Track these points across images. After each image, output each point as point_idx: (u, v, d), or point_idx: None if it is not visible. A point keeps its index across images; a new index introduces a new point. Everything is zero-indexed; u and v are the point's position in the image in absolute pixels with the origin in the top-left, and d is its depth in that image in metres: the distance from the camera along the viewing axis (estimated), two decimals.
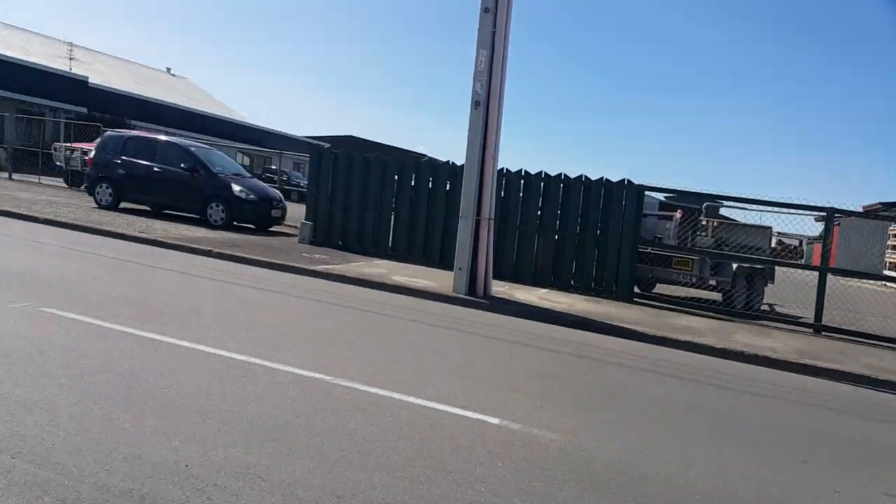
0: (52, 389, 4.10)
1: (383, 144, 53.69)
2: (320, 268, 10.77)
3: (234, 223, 15.17)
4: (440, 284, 10.56)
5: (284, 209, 16.36)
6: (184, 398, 4.27)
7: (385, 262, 12.75)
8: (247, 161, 36.81)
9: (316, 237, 14.10)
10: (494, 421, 4.67)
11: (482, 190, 10.20)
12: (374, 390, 4.97)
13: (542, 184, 12.57)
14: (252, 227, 15.64)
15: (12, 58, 33.84)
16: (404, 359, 6.15)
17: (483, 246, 10.27)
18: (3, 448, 3.24)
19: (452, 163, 13.46)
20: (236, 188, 15.15)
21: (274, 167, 34.27)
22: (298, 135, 53.24)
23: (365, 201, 13.86)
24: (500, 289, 11.08)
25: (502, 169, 12.40)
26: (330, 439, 3.93)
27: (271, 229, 16.05)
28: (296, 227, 15.40)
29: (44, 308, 6.02)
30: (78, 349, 4.99)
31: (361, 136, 54.88)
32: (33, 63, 34.38)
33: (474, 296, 10.07)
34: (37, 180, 21.76)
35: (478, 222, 10.25)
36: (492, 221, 10.43)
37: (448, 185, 13.30)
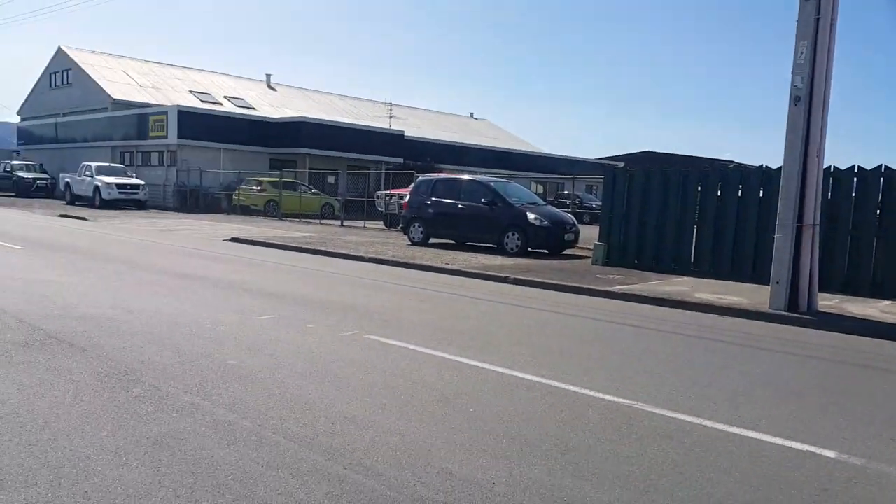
0: (376, 408, 4.51)
1: (683, 156, 51.25)
2: (616, 288, 10.51)
3: (529, 249, 15.63)
4: (752, 301, 9.58)
5: (577, 232, 16.43)
6: (490, 419, 4.39)
7: (686, 279, 12.00)
8: (541, 189, 37.94)
9: (610, 258, 13.86)
10: (829, 454, 4.00)
11: (804, 193, 9.03)
12: (680, 416, 4.60)
13: (881, 179, 10.80)
14: (546, 252, 15.95)
15: (346, 123, 39.66)
16: (713, 382, 5.62)
17: (806, 255, 9.07)
18: (337, 459, 3.63)
19: (766, 167, 12.26)
20: (531, 216, 15.64)
21: (566, 192, 34.79)
22: (591, 157, 53.58)
23: (663, 217, 13.27)
24: (828, 303, 9.68)
25: (829, 167, 10.94)
26: (636, 466, 3.70)
27: (564, 253, 16.20)
28: (589, 248, 15.33)
29: (368, 335, 6.75)
30: (397, 372, 5.46)
31: (658, 151, 53.22)
32: (361, 125, 39.86)
33: (796, 312, 8.92)
34: (362, 225, 24.93)
35: (799, 229, 9.08)
36: (816, 227, 9.18)
37: (761, 192, 12.13)
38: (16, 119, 49.02)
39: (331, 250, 15.18)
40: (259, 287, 9.67)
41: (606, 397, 4.97)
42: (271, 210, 28.60)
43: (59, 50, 43.60)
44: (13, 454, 3.46)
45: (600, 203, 16.49)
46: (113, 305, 7.60)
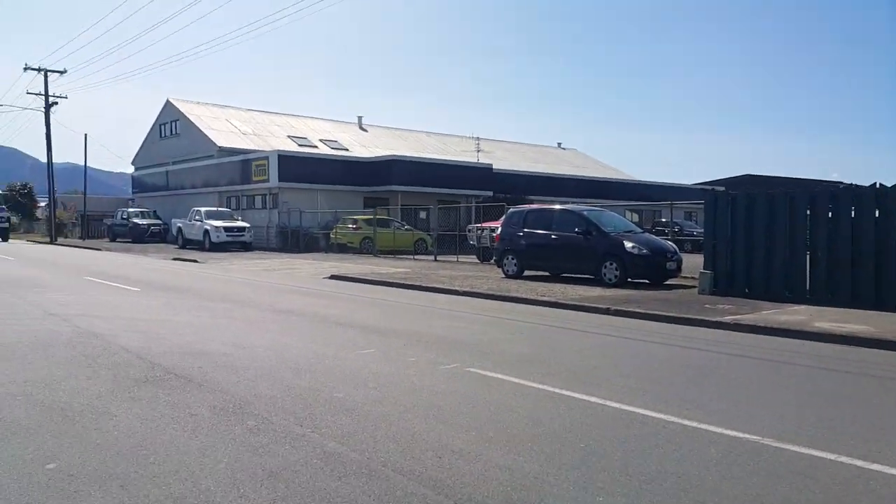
0: (482, 442, 4.43)
1: (787, 178, 48.99)
2: (727, 318, 10.01)
3: (629, 280, 15.17)
4: (879, 329, 8.89)
5: (679, 261, 15.83)
6: (603, 454, 4.22)
7: (802, 307, 11.30)
8: (636, 217, 37.07)
9: (717, 286, 13.25)
10: None
11: None
12: (812, 452, 4.26)
13: None
14: (646, 282, 15.44)
15: (435, 159, 40.38)
16: (843, 416, 5.21)
17: None
18: (447, 493, 3.56)
19: (880, 185, 11.49)
20: (628, 245, 15.22)
21: (664, 220, 33.80)
22: (688, 183, 51.96)
23: (771, 242, 12.61)
24: None
25: None
26: None
27: (667, 283, 15.63)
28: (693, 277, 14.75)
29: (469, 368, 6.69)
30: (502, 405, 5.36)
31: (760, 174, 51.00)
32: (450, 161, 40.46)
33: None
34: (455, 259, 25.06)
35: None
36: None
37: (877, 212, 11.36)
38: (131, 169, 52.79)
39: (426, 285, 15.30)
40: (359, 322, 9.83)
41: (728, 432, 4.68)
42: (366, 247, 29.27)
43: (168, 102, 46.78)
44: (139, 485, 3.59)
45: (701, 230, 15.87)
46: (225, 342, 7.90)
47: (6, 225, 39.08)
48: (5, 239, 38.08)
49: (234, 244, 31.27)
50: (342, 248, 30.04)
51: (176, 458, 3.99)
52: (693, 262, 16.30)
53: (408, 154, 41.46)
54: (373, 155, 40.64)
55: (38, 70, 42.36)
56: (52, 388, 5.60)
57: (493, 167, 39.81)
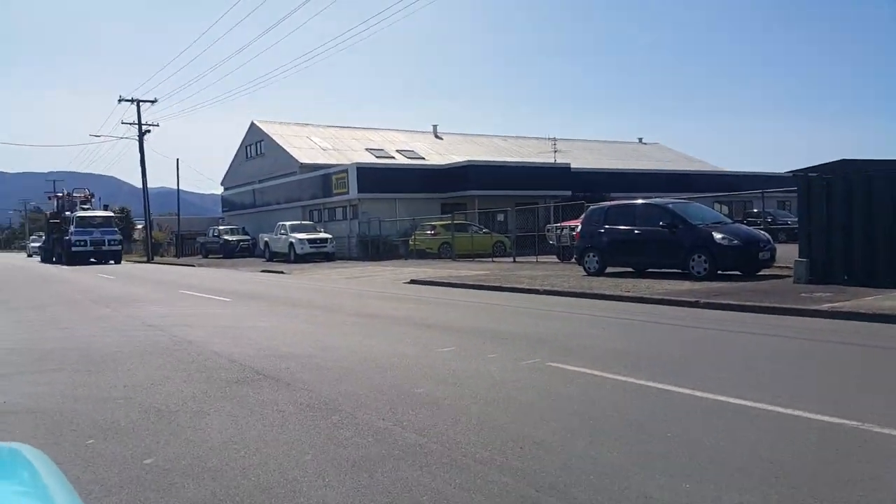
0: (565, 433, 4.36)
1: (887, 161, 46.02)
2: (824, 307, 9.49)
3: (719, 272, 14.59)
4: None
5: (773, 250, 15.11)
6: (691, 443, 4.07)
7: None
8: (725, 210, 35.69)
9: (814, 274, 12.58)
10: None
11: None
12: None
13: None
14: (738, 273, 14.82)
15: (511, 162, 40.27)
16: None
17: None
18: (529, 482, 3.52)
19: None
20: (717, 236, 14.65)
21: (755, 210, 32.42)
22: (780, 172, 49.60)
23: (871, 227, 11.88)
24: None
25: None
26: (871, 490, 3.22)
27: (760, 273, 14.95)
28: (788, 267, 14.06)
29: (550, 363, 6.60)
30: (584, 398, 5.26)
31: (857, 158, 48.06)
32: (526, 163, 40.24)
33: None
34: (534, 259, 24.83)
35: None
36: None
37: None
38: (221, 190, 55.22)
39: (505, 285, 15.23)
40: (438, 322, 9.89)
41: (825, 418, 4.43)
42: (445, 252, 29.45)
43: (253, 124, 48.66)
44: (230, 477, 3.73)
45: (795, 219, 15.12)
46: (310, 345, 8.12)
47: (118, 248, 41.12)
48: (118, 261, 40.16)
49: (318, 255, 32.12)
50: (421, 255, 30.34)
51: (264, 452, 4.12)
52: (788, 252, 15.54)
53: (484, 158, 41.49)
54: (448, 162, 40.91)
55: (131, 101, 44.80)
56: (149, 391, 5.90)
57: (571, 166, 39.26)
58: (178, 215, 54.63)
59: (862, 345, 7.26)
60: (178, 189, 51.91)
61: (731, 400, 4.99)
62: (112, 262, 39.96)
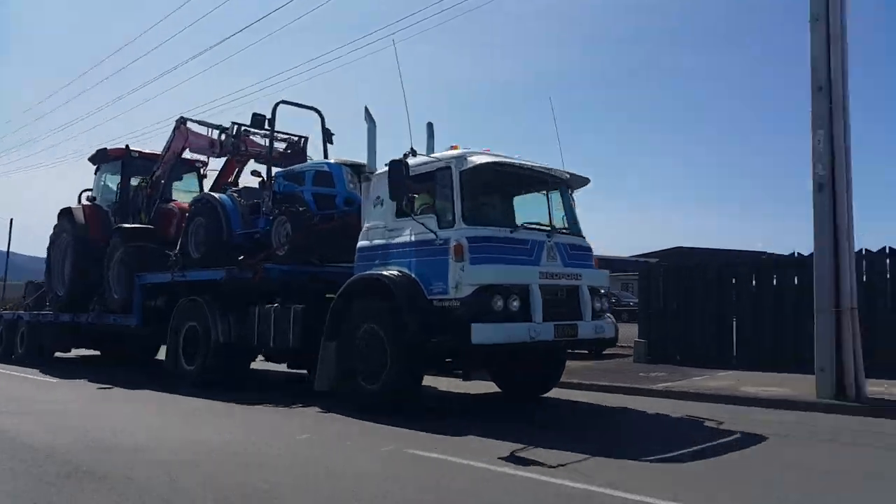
0: None
1: (715, 249, 50.63)
2: (659, 386, 10.22)
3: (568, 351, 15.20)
4: (798, 391, 9.21)
5: (616, 330, 16.05)
6: None
7: (730, 372, 11.63)
8: None
9: (652, 354, 13.53)
10: None
11: (839, 277, 8.86)
12: None
13: None
14: (585, 352, 15.55)
15: None
16: (786, 482, 5.31)
17: (848, 340, 8.77)
18: None
19: (798, 254, 12.15)
20: None
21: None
22: (623, 255, 53.13)
23: (701, 311, 13.07)
24: (877, 388, 9.22)
25: (860, 251, 10.83)
26: None
27: (605, 352, 15.80)
28: (630, 346, 15.00)
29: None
30: None
31: (690, 246, 52.63)
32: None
33: (844, 399, 8.54)
34: None
35: (838, 314, 8.84)
36: (855, 311, 8.92)
37: (796, 280, 11.95)
38: None
39: None
40: None
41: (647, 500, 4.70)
42: None
43: None
44: None
45: (637, 300, 16.32)
46: None
47: None
48: None
49: None
50: None
51: None
52: (629, 332, 16.57)
53: None
54: None
55: None
56: None
57: None
58: (5, 281, 49.55)
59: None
60: (8, 251, 47.63)
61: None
62: None
